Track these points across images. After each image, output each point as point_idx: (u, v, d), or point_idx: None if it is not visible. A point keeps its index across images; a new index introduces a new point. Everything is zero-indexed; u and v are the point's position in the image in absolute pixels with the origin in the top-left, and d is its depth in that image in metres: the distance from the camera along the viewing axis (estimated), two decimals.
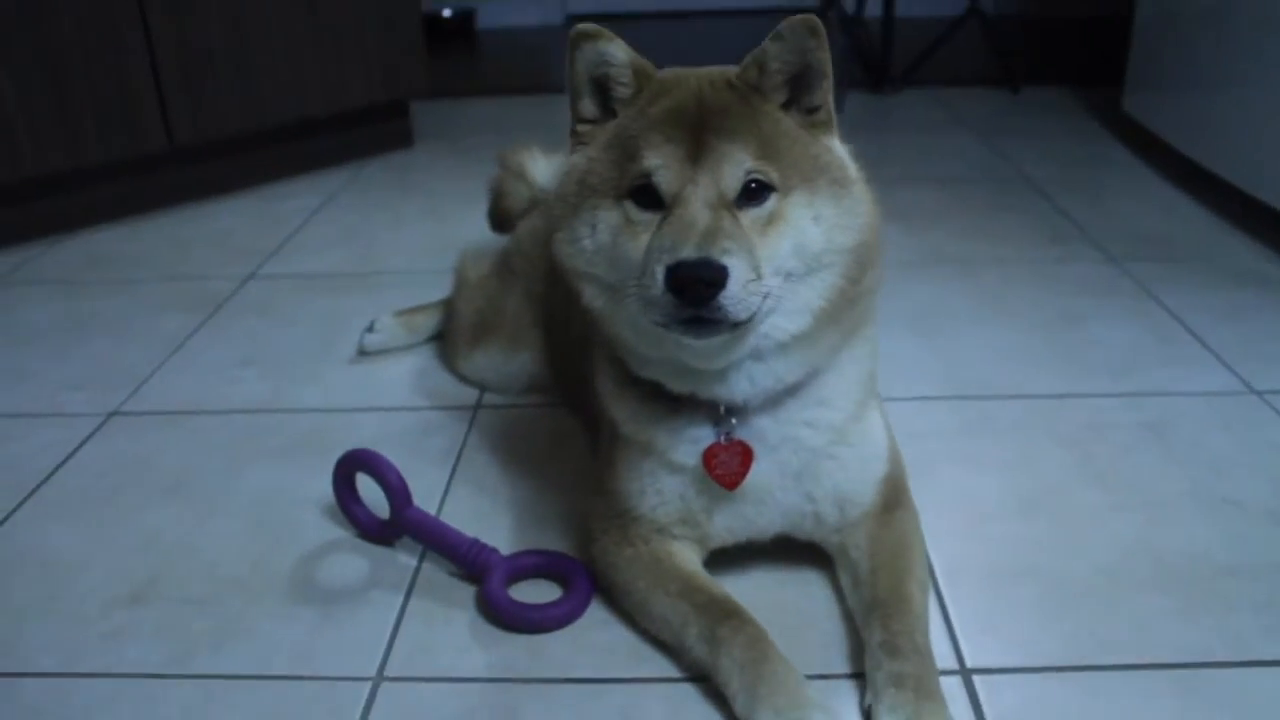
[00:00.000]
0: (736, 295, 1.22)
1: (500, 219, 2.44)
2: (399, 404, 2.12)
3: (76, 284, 2.79)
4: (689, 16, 6.66)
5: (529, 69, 5.46)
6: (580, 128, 1.42)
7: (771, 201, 1.30)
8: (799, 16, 1.31)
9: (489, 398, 2.12)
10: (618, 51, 1.37)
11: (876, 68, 4.60)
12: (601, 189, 1.35)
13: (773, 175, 1.30)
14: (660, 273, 1.23)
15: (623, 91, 1.38)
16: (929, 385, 2.11)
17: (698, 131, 1.30)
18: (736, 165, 1.29)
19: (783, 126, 1.34)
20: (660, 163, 1.30)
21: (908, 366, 2.17)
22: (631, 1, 6.68)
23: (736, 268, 1.22)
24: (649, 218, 1.30)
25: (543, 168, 2.38)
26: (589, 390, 1.63)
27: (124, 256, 2.97)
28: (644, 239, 1.29)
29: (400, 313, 2.35)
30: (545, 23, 6.57)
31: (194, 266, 2.88)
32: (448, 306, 2.26)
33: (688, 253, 1.22)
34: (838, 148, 1.40)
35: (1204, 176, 3.09)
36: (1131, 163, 3.53)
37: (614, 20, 6.24)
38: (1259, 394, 2.04)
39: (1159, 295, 2.48)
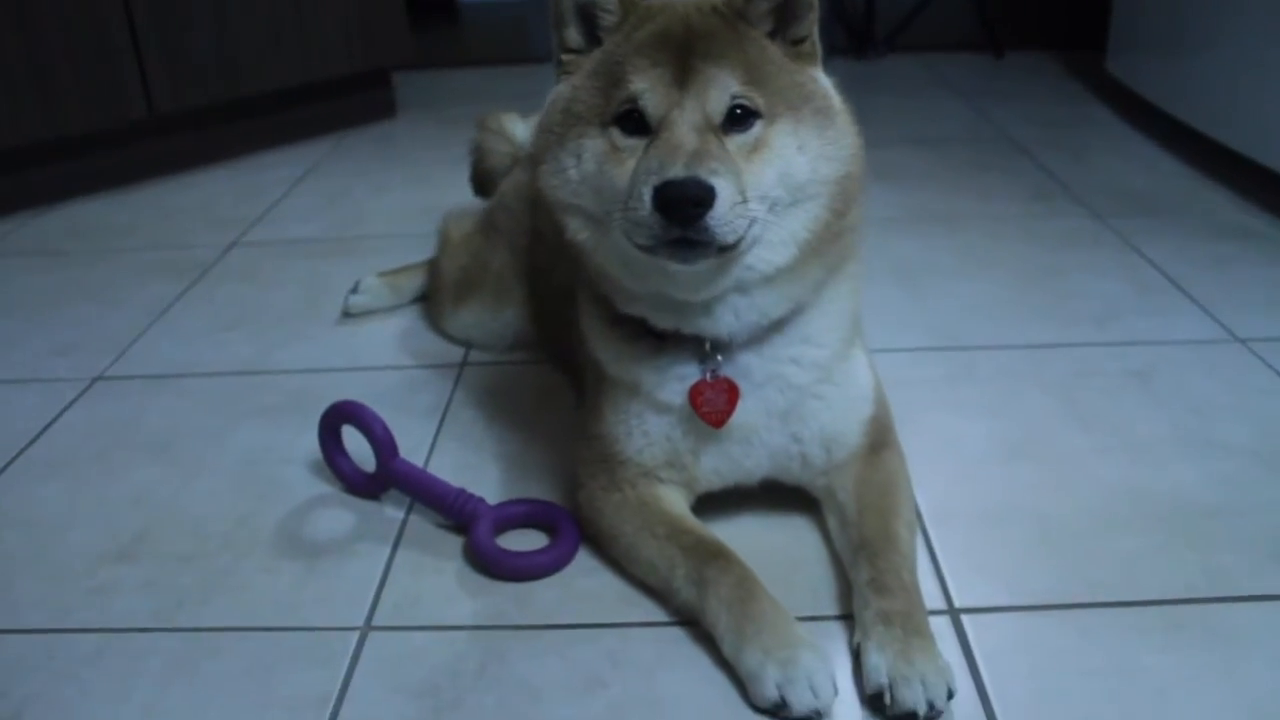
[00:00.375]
0: (724, 216, 1.23)
1: (482, 180, 2.43)
2: (385, 363, 2.12)
3: (59, 254, 2.78)
4: None
5: (511, 40, 5.44)
6: (565, 58, 1.41)
7: (757, 128, 1.30)
8: None
9: (475, 355, 2.12)
10: None
11: (860, 33, 4.59)
12: (587, 116, 1.34)
13: (758, 101, 1.30)
14: (647, 193, 1.23)
15: (608, 20, 1.38)
16: (916, 337, 2.11)
17: (684, 56, 1.30)
18: (722, 89, 1.29)
19: (769, 54, 1.34)
20: (646, 86, 1.29)
21: (895, 319, 2.18)
22: None
23: (724, 188, 1.23)
24: (635, 143, 1.30)
25: (522, 129, 2.38)
26: (574, 340, 1.63)
27: (107, 226, 2.96)
28: (630, 165, 1.29)
29: (384, 274, 2.35)
30: None
31: (177, 235, 2.87)
32: (432, 266, 2.25)
33: (675, 172, 1.22)
34: (823, 79, 1.40)
35: (1186, 133, 3.09)
36: (1114, 122, 3.54)
37: None
38: (1242, 341, 2.04)
39: (1141, 248, 2.48)
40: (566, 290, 1.63)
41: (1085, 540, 1.51)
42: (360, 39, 3.68)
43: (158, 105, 3.22)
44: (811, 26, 1.37)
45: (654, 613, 1.40)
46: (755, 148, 1.29)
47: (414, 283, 2.33)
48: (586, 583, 1.47)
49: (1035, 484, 1.65)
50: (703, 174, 1.22)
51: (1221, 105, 2.89)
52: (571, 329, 1.63)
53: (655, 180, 1.23)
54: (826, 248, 1.38)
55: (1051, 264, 2.43)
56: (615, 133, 1.32)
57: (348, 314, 2.30)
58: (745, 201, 1.25)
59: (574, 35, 1.40)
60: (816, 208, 1.34)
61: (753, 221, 1.27)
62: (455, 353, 2.13)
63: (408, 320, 2.29)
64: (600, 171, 1.32)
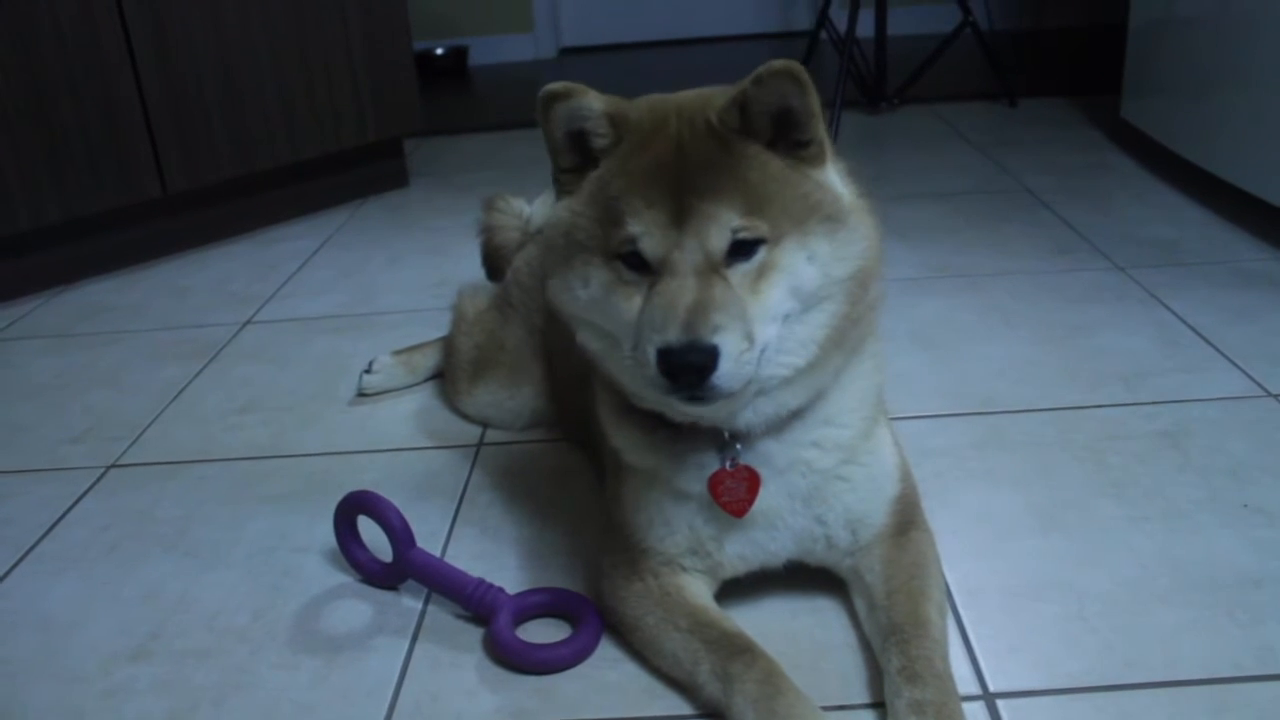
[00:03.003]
0: (729, 372, 1.20)
1: (494, 259, 2.41)
2: (400, 445, 2.09)
3: (73, 336, 2.77)
4: (680, 44, 6.67)
5: (522, 103, 5.43)
6: (562, 176, 1.37)
7: (761, 253, 1.25)
8: (779, 64, 1.24)
9: (491, 435, 2.09)
10: (591, 103, 1.31)
11: (871, 86, 4.59)
12: (590, 246, 1.31)
13: (761, 228, 1.25)
14: (652, 354, 1.20)
15: (601, 142, 1.33)
16: (939, 402, 2.08)
17: (680, 193, 1.25)
18: (722, 226, 1.24)
19: (770, 170, 1.28)
20: (642, 230, 1.25)
21: (916, 383, 2.14)
22: (622, 32, 6.69)
23: (727, 343, 1.19)
24: (640, 278, 1.27)
25: (528, 209, 2.37)
26: (592, 421, 1.60)
27: (121, 307, 2.95)
28: (636, 301, 1.26)
29: (399, 352, 2.32)
30: (538, 57, 6.59)
31: (191, 314, 2.86)
32: (447, 344, 2.23)
33: (676, 336, 1.19)
34: (830, 178, 1.33)
35: (1206, 179, 3.06)
36: (1133, 169, 3.51)
37: (605, 51, 6.25)
38: (1275, 396, 2.00)
39: (1167, 301, 2.44)
40: (582, 372, 1.60)
41: (1123, 616, 1.47)
42: (372, 109, 3.69)
43: (171, 184, 3.23)
44: (816, 129, 1.30)
45: (679, 706, 1.36)
46: (761, 273, 1.25)
47: (429, 361, 2.30)
48: (610, 674, 1.43)
49: (1068, 556, 1.60)
50: (704, 335, 1.18)
51: (1241, 150, 2.86)
52: (589, 410, 1.60)
53: (659, 341, 1.20)
54: (846, 336, 1.34)
55: (1076, 321, 2.39)
56: (620, 266, 1.28)
57: (363, 394, 2.28)
58: (752, 346, 1.22)
59: (568, 158, 1.36)
60: (833, 305, 1.31)
61: (763, 351, 1.25)
62: (472, 432, 2.10)
63: (423, 399, 2.26)
64: (608, 299, 1.29)
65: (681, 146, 1.28)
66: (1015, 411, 2.02)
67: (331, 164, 3.69)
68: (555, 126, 1.34)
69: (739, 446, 1.38)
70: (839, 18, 4.60)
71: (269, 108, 3.42)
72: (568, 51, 6.68)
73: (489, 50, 6.49)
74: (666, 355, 1.19)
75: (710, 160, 1.26)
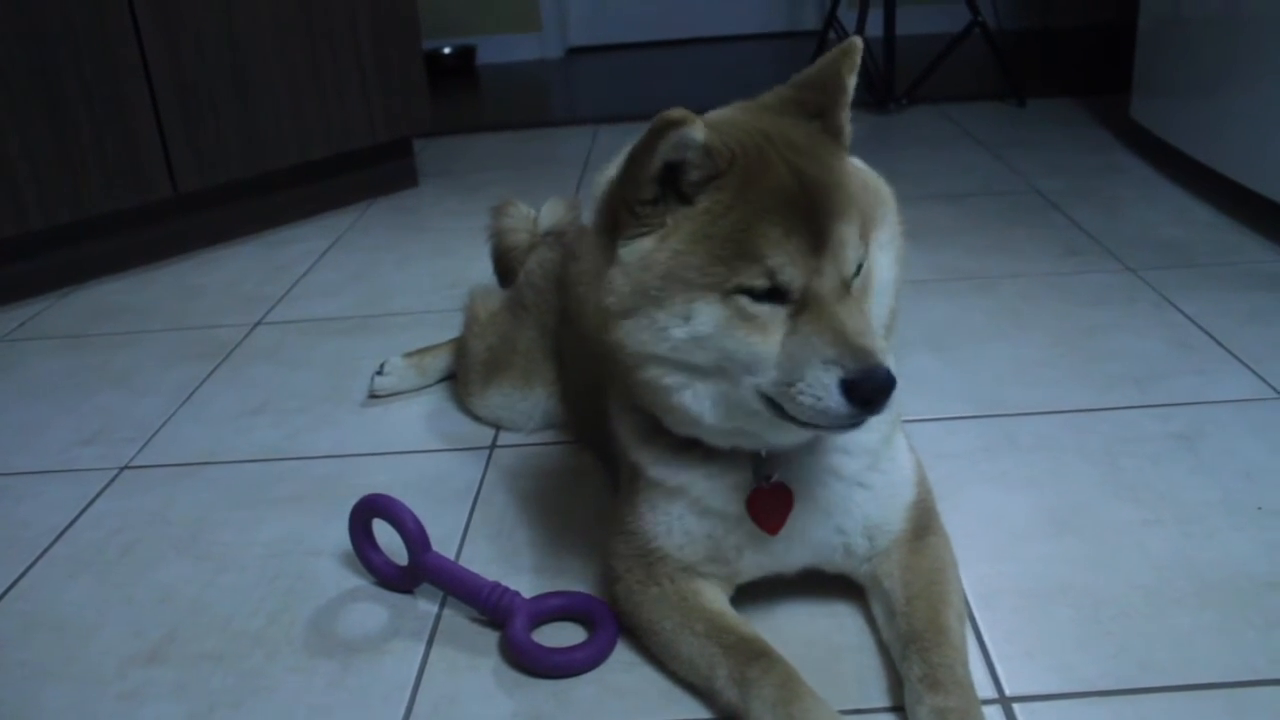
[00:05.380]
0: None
1: (504, 263, 2.40)
2: (412, 447, 2.09)
3: (85, 337, 2.77)
4: (688, 44, 6.67)
5: (530, 103, 5.46)
6: (640, 209, 1.27)
7: (865, 263, 1.26)
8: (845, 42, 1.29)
9: (504, 437, 2.09)
10: (697, 134, 1.21)
11: (880, 86, 4.58)
12: (700, 283, 1.23)
13: (868, 238, 1.26)
14: (834, 386, 1.18)
15: (696, 174, 1.24)
16: (951, 405, 2.07)
17: (812, 218, 1.21)
18: (854, 249, 1.23)
19: (853, 176, 1.28)
20: (785, 260, 1.21)
21: (929, 386, 2.14)
22: (630, 32, 6.69)
23: (891, 362, 1.20)
24: (771, 310, 1.22)
25: (537, 214, 2.37)
26: (607, 427, 1.59)
27: (132, 307, 2.95)
28: (775, 336, 1.22)
29: (410, 354, 2.32)
30: (545, 56, 6.59)
31: (202, 315, 2.86)
32: (459, 345, 2.23)
33: (859, 365, 1.17)
34: (857, 161, 1.36)
35: (1217, 180, 3.06)
36: (1142, 170, 3.50)
37: (613, 50, 6.24)
38: None
39: (1178, 302, 2.44)
40: (597, 375, 1.59)
41: (1138, 619, 1.47)
42: (382, 110, 3.70)
43: (181, 184, 3.23)
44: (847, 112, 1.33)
45: (696, 710, 1.36)
46: (865, 282, 1.27)
47: (440, 362, 2.30)
48: (626, 678, 1.43)
49: (1083, 559, 1.60)
50: (880, 359, 1.18)
51: (1252, 151, 2.86)
52: (602, 414, 1.59)
53: (840, 373, 1.18)
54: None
55: (1087, 323, 2.39)
56: (741, 301, 1.23)
57: (374, 396, 2.28)
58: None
59: (652, 189, 1.26)
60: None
61: None
62: (484, 434, 2.10)
63: (435, 401, 2.26)
64: (725, 336, 1.23)
65: (797, 171, 1.24)
66: (1027, 414, 2.02)
67: (341, 164, 3.70)
68: (657, 156, 1.22)
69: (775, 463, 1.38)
70: (847, 18, 4.61)
71: (279, 108, 3.43)
72: (575, 51, 6.69)
73: (496, 50, 6.49)
74: (855, 386, 1.17)
75: (828, 181, 1.24)
